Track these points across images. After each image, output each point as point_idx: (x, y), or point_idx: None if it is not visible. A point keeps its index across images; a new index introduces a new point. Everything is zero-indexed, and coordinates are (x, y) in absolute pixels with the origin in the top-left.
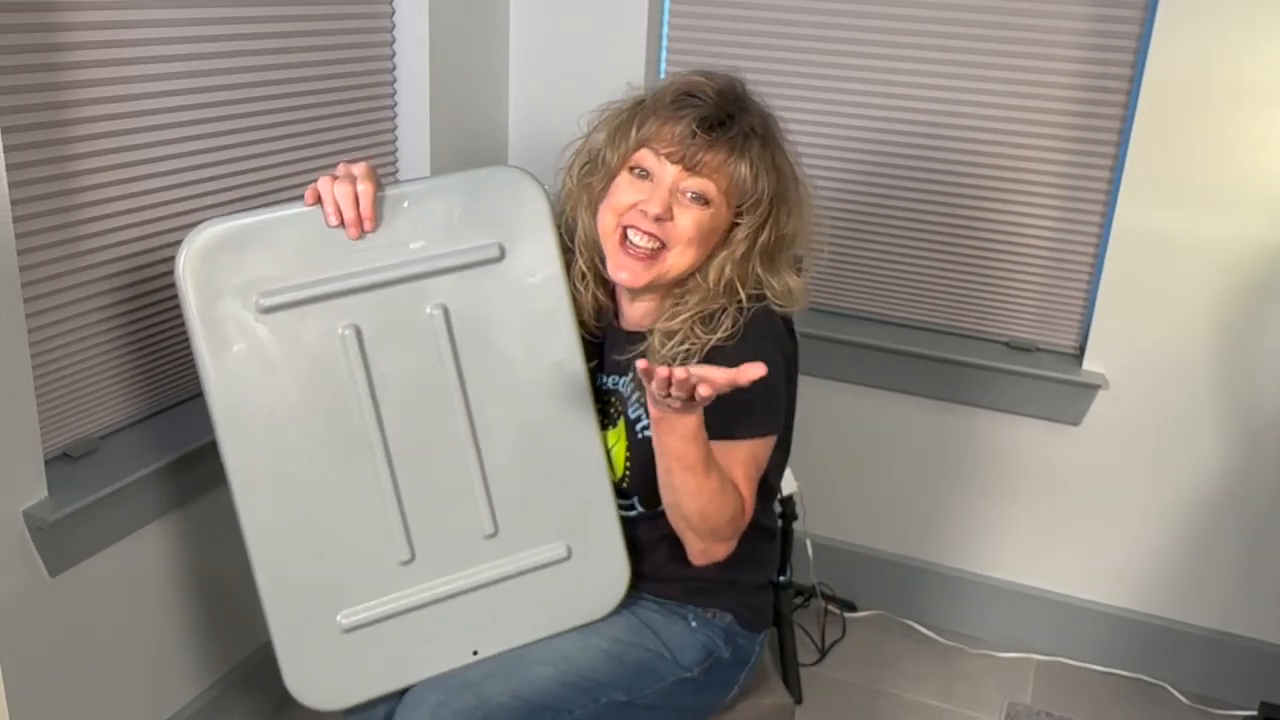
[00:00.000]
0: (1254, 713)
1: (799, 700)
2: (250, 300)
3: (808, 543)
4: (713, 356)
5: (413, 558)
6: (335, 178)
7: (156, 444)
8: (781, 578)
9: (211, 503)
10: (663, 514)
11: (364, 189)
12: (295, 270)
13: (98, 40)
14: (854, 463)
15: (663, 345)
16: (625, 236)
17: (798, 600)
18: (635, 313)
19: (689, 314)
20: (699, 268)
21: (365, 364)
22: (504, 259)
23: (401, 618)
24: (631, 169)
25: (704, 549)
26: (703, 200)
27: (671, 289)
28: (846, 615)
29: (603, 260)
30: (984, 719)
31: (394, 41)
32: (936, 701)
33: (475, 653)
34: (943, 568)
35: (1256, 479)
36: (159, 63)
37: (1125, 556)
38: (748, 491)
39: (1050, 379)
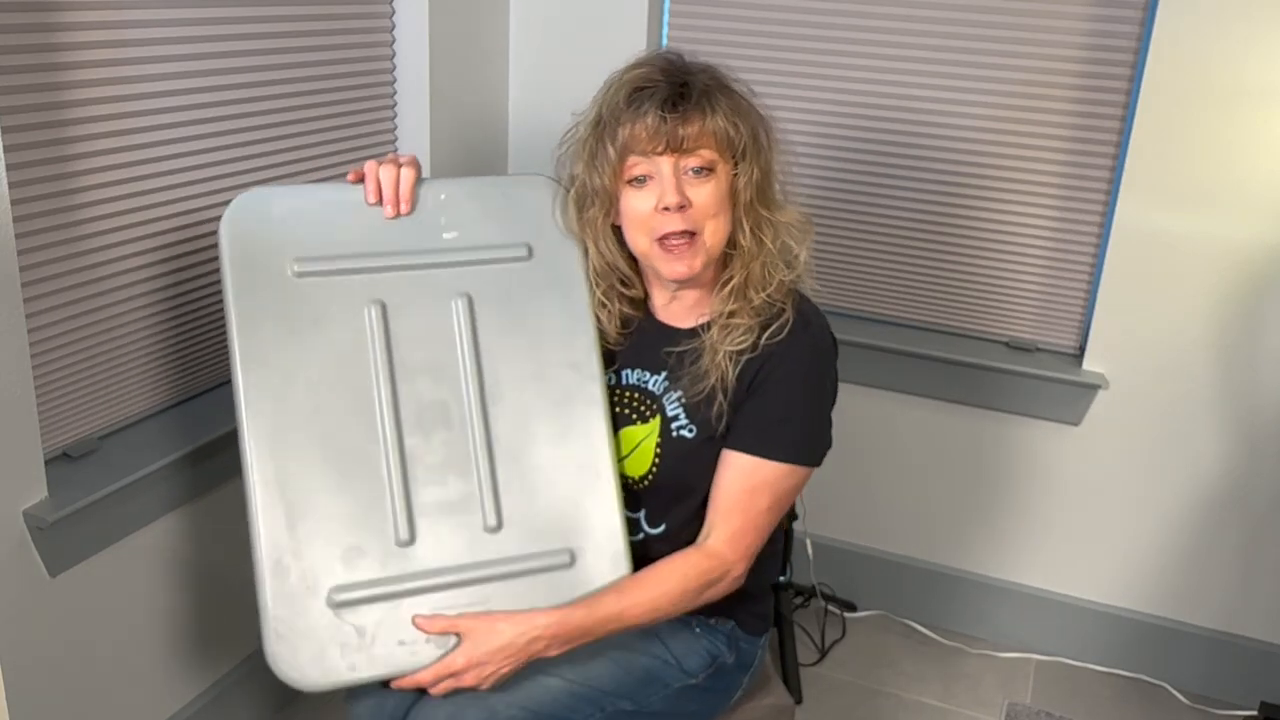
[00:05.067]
0: (1254, 713)
1: (799, 700)
2: (285, 263)
3: (808, 543)
4: (771, 355)
5: (412, 539)
6: (382, 162)
7: (156, 444)
8: (781, 578)
9: (212, 502)
10: (665, 533)
11: (406, 173)
12: (331, 242)
13: (98, 40)
14: (854, 463)
15: (722, 338)
16: (661, 240)
17: (798, 600)
18: (679, 308)
19: (739, 280)
20: (730, 235)
21: (387, 338)
22: (531, 259)
23: (395, 601)
24: (629, 182)
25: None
26: (706, 170)
27: (719, 272)
28: (846, 615)
29: (624, 282)
30: (984, 719)
31: (394, 41)
32: (936, 701)
33: None
34: (942, 568)
35: (1256, 479)
36: (159, 63)
37: (1125, 556)
38: (746, 540)
39: (1050, 379)
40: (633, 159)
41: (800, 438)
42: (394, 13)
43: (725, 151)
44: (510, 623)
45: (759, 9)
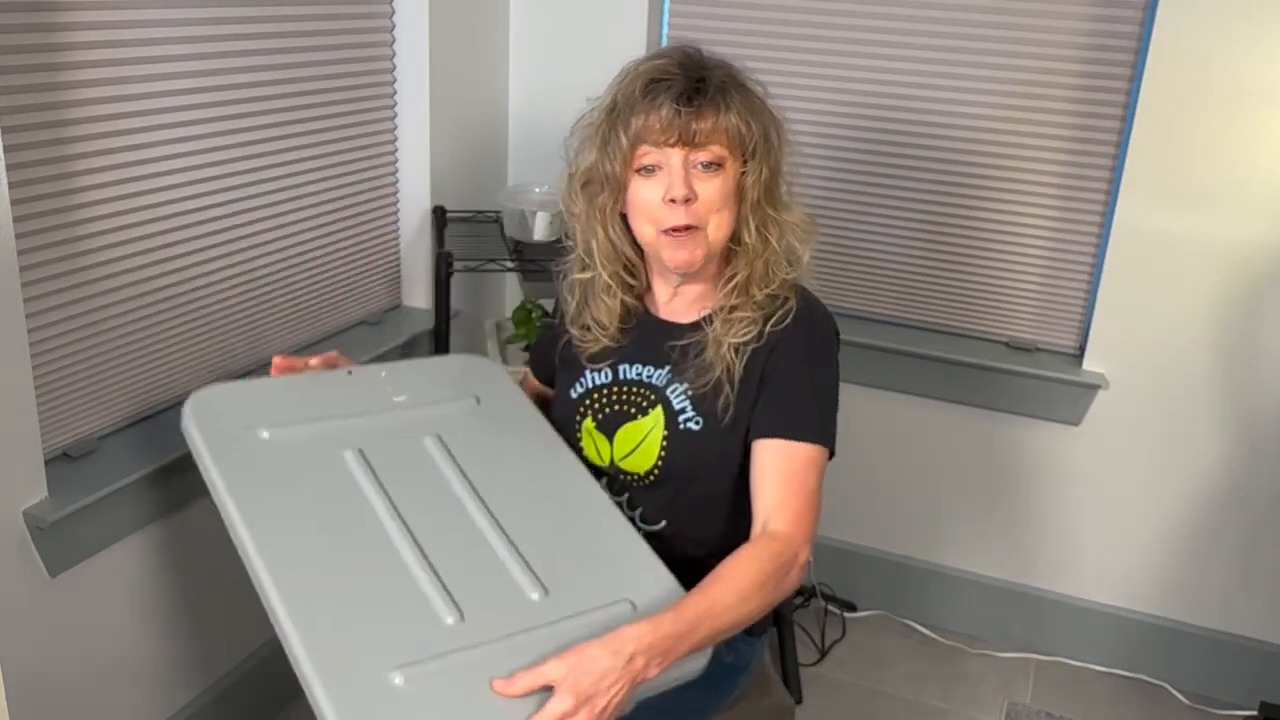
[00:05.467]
0: (1254, 713)
1: (799, 700)
2: (257, 432)
3: None
4: (780, 343)
5: (463, 618)
6: None
7: (157, 444)
8: None
9: (211, 504)
10: (665, 529)
11: (329, 353)
12: (292, 411)
13: (98, 40)
14: (854, 463)
15: (726, 331)
16: (666, 230)
17: (798, 600)
18: (681, 304)
19: (742, 277)
20: (735, 232)
21: (374, 472)
22: (481, 406)
23: (469, 668)
24: (638, 170)
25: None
26: (715, 165)
27: (722, 268)
28: (846, 615)
29: (629, 268)
30: (984, 719)
31: (394, 42)
32: (936, 701)
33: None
34: (943, 568)
35: (1256, 479)
36: (159, 62)
37: (1125, 556)
38: (806, 519)
39: (1050, 379)
40: (644, 148)
41: (820, 419)
42: (394, 13)
43: (736, 149)
44: (600, 645)
45: (759, 9)
